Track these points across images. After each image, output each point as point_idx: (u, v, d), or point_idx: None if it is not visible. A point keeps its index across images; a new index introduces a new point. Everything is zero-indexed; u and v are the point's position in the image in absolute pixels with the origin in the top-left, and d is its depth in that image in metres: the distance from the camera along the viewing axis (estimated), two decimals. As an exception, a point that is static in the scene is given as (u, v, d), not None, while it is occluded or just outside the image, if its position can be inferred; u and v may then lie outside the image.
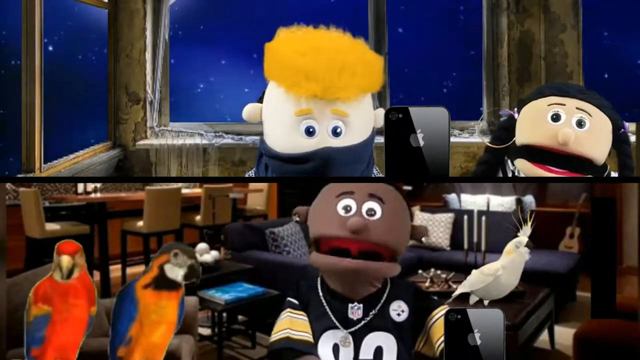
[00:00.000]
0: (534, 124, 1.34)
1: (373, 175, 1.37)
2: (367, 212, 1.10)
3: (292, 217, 1.22)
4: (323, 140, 1.21)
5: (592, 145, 1.29)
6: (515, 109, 1.43)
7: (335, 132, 1.22)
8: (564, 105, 1.32)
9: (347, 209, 1.11)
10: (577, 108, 1.31)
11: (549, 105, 1.33)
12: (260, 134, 1.37)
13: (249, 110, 1.30)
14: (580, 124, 1.30)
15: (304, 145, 1.21)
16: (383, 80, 1.30)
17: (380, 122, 1.32)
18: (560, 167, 1.29)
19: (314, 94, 1.19)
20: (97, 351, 1.14)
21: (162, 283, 1.07)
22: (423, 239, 1.18)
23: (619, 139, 1.36)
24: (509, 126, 1.42)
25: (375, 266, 1.09)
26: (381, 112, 1.32)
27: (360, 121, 1.25)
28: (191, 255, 1.08)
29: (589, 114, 1.31)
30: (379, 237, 1.09)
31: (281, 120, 1.24)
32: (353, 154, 1.24)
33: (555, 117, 1.31)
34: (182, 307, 1.11)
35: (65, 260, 1.06)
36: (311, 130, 1.21)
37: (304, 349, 1.09)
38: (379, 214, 1.10)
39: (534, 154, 1.32)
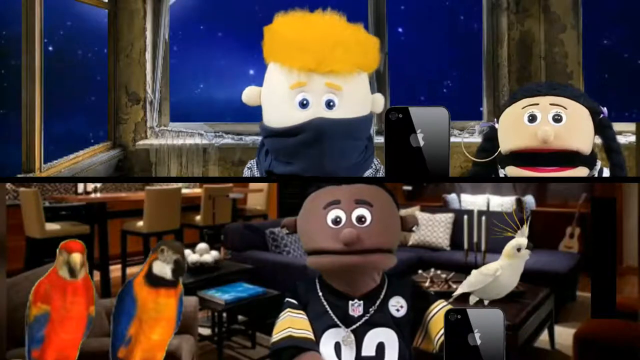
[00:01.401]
0: (513, 130, 1.35)
1: (373, 166, 1.37)
2: (357, 219, 1.10)
3: (282, 230, 1.22)
4: (316, 112, 1.23)
5: (574, 137, 1.30)
6: (495, 119, 1.44)
7: (329, 105, 1.23)
8: (538, 104, 1.33)
9: (336, 220, 1.10)
10: (550, 104, 1.32)
11: (523, 108, 1.34)
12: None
13: (248, 92, 1.33)
14: (556, 119, 1.30)
15: (298, 117, 1.23)
16: (378, 61, 1.32)
17: (379, 107, 1.33)
18: (549, 165, 1.30)
19: (308, 67, 1.22)
20: (97, 351, 1.14)
21: (155, 280, 1.07)
22: (414, 227, 1.18)
23: (600, 125, 1.36)
24: (492, 136, 1.43)
25: (373, 258, 1.09)
26: (379, 97, 1.34)
27: (355, 97, 1.27)
28: (177, 251, 1.08)
29: (564, 107, 1.32)
30: (372, 243, 1.09)
31: (277, 96, 1.26)
32: (347, 128, 1.24)
33: (532, 118, 1.32)
34: (181, 304, 1.11)
35: (79, 258, 1.06)
36: (305, 102, 1.23)
37: (307, 346, 1.09)
38: (369, 220, 1.10)
39: (521, 158, 1.33)
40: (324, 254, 1.10)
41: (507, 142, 1.36)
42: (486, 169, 1.47)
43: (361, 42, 1.28)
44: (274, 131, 1.27)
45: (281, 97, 1.25)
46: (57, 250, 1.08)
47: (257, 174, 1.39)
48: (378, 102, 1.33)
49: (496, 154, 1.40)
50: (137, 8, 3.71)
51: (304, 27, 1.25)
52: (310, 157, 1.23)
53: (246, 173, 1.42)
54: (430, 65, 4.07)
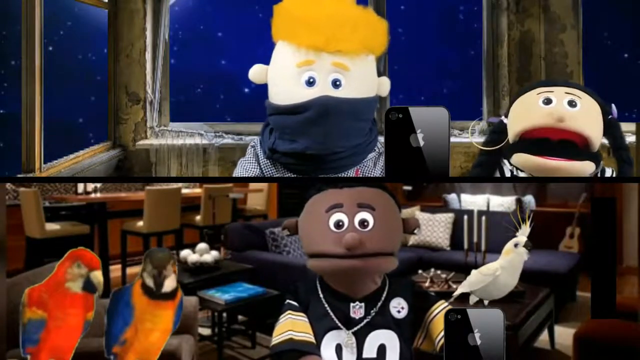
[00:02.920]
0: (527, 111, 1.35)
1: (377, 149, 1.38)
2: (359, 223, 1.09)
3: (282, 232, 1.21)
4: (323, 90, 1.23)
5: (587, 122, 1.30)
6: (504, 114, 1.45)
7: (335, 84, 1.23)
8: (553, 92, 1.34)
9: (339, 224, 1.09)
10: (566, 92, 1.33)
11: (538, 94, 1.35)
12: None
13: (255, 70, 1.33)
14: (571, 104, 1.31)
15: (304, 94, 1.23)
16: (386, 45, 1.33)
17: (385, 91, 1.34)
18: (557, 155, 1.29)
19: (316, 45, 1.23)
20: (97, 351, 1.14)
21: (149, 291, 1.06)
22: (416, 230, 1.17)
23: (608, 124, 1.37)
24: (500, 130, 1.43)
25: (375, 262, 1.09)
26: (386, 80, 1.34)
27: (361, 79, 1.27)
28: (156, 264, 1.05)
29: (579, 97, 1.33)
30: (374, 247, 1.08)
31: (284, 73, 1.27)
32: (352, 108, 1.24)
33: (547, 101, 1.33)
34: (179, 312, 1.10)
35: (100, 276, 1.05)
36: (311, 80, 1.24)
37: (307, 349, 1.08)
38: (371, 224, 1.09)
39: (530, 145, 1.32)
40: (326, 257, 1.10)
41: (520, 122, 1.35)
42: (492, 159, 1.47)
43: (370, 22, 1.29)
44: (280, 108, 1.27)
45: (288, 74, 1.25)
46: (68, 259, 1.05)
47: (260, 153, 1.38)
48: (384, 86, 1.33)
49: (503, 143, 1.40)
50: (137, 8, 3.71)
51: (314, 6, 1.26)
52: (314, 135, 1.23)
53: (249, 151, 1.42)
54: (431, 65, 4.07)
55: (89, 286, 1.04)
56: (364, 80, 1.28)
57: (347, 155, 1.29)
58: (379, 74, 1.34)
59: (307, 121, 1.22)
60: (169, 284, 1.07)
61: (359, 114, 1.26)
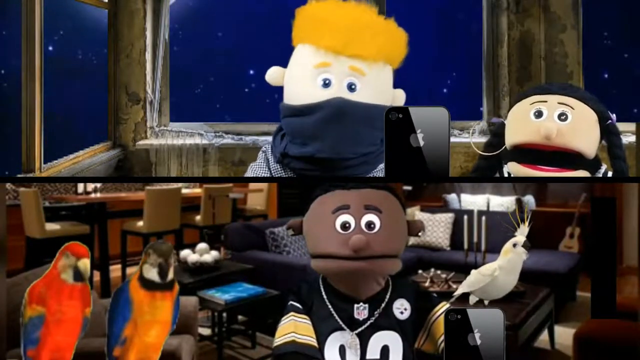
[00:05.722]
0: (518, 124, 1.35)
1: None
2: (366, 226, 1.09)
3: (287, 231, 1.21)
4: (338, 92, 1.23)
5: (576, 137, 1.29)
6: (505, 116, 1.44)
7: (351, 88, 1.24)
8: (546, 102, 1.33)
9: (345, 225, 1.09)
10: (559, 103, 1.32)
11: (531, 104, 1.35)
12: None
13: (273, 72, 1.33)
14: (562, 117, 1.30)
15: (319, 95, 1.24)
16: (403, 56, 1.33)
17: (400, 103, 1.34)
18: (550, 164, 1.29)
19: (334, 48, 1.23)
20: (97, 351, 1.14)
21: (147, 283, 1.06)
22: (420, 233, 1.17)
23: (606, 131, 1.36)
24: (501, 132, 1.42)
25: (380, 264, 1.09)
26: (401, 92, 1.34)
27: (376, 86, 1.27)
28: (161, 254, 1.06)
29: (571, 107, 1.31)
30: (380, 250, 1.08)
31: (300, 74, 1.27)
32: (365, 113, 1.24)
33: (538, 114, 1.32)
34: (177, 307, 1.10)
35: (87, 264, 1.06)
36: (327, 82, 1.24)
37: (310, 352, 1.08)
38: (378, 226, 1.09)
39: (523, 155, 1.32)
40: (331, 258, 1.09)
41: (512, 136, 1.36)
42: (491, 163, 1.47)
43: (391, 31, 1.30)
44: (294, 109, 1.27)
45: (304, 75, 1.26)
46: (60, 253, 1.07)
47: (270, 157, 1.38)
48: (399, 98, 1.34)
49: (502, 149, 1.40)
50: (137, 8, 3.71)
51: (336, 10, 1.27)
52: (325, 139, 1.22)
53: (260, 156, 1.41)
54: (430, 65, 4.07)
55: (77, 275, 1.05)
56: (379, 88, 1.27)
57: (357, 164, 1.27)
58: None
59: (320, 122, 1.22)
60: (170, 275, 1.08)
61: (373, 120, 1.25)
